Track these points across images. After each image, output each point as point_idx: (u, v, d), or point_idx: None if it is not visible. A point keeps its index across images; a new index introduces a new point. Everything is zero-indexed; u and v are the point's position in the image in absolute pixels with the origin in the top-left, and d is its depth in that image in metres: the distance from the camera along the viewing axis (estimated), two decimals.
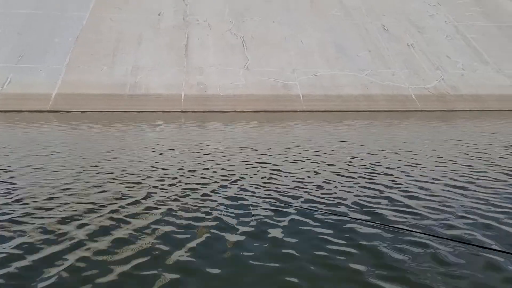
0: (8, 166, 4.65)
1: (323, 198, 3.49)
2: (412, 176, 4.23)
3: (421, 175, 4.29)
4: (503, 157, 5.27)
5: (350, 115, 10.81)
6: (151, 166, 4.63)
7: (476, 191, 3.68)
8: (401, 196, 3.55)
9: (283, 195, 3.56)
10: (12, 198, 3.44)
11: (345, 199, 3.46)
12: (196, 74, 12.21)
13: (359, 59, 13.35)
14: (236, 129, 8.29)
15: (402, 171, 4.46)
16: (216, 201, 3.39)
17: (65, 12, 13.87)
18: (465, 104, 12.20)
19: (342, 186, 3.88)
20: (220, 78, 12.16)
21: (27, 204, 3.29)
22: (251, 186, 3.82)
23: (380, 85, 12.49)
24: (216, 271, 2.21)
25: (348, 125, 9.06)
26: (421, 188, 3.80)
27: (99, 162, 4.86)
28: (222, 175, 4.24)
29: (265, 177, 4.18)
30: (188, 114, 10.76)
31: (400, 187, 3.81)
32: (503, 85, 13.01)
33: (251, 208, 3.13)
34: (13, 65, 11.75)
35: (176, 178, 4.12)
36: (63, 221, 2.91)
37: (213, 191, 3.66)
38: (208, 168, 4.54)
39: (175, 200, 3.40)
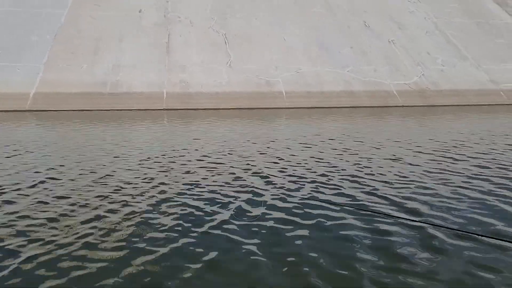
0: None
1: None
2: None
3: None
4: None
5: (332, 111, 10.87)
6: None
7: None
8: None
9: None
10: None
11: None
12: (178, 72, 12.09)
13: (341, 56, 13.42)
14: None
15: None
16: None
17: (43, 9, 13.56)
18: (445, 99, 12.40)
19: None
20: (202, 75, 12.07)
21: None
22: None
23: (362, 81, 12.59)
24: None
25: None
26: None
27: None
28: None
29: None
30: (171, 112, 10.66)
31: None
32: (481, 80, 13.27)
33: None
34: None
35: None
36: None
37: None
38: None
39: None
